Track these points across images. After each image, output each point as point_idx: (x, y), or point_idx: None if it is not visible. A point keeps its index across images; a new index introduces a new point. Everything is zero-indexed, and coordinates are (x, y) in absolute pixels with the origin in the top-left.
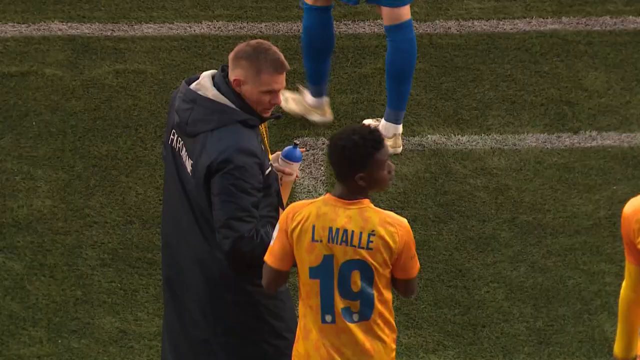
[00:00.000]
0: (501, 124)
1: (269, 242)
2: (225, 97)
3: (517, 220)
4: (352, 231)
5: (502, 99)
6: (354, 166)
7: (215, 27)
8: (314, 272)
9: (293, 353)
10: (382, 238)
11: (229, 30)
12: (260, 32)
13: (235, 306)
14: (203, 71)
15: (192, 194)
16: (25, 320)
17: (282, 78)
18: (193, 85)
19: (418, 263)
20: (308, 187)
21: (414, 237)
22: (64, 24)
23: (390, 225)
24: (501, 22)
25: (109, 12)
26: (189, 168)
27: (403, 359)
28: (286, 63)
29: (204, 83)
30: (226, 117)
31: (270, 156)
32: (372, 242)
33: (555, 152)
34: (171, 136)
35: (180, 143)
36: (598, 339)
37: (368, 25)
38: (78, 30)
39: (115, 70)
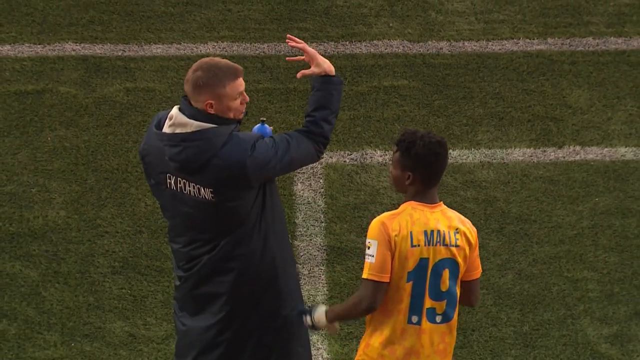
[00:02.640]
0: (490, 139)
1: (328, 126)
2: (207, 122)
3: (504, 230)
4: (443, 231)
5: (490, 115)
6: (445, 167)
7: (220, 48)
8: (410, 276)
9: (360, 355)
10: (464, 234)
11: (233, 50)
12: (263, 52)
13: (263, 298)
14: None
15: (217, 214)
16: (41, 324)
17: (242, 79)
18: (168, 129)
19: (480, 265)
20: (307, 198)
21: None
22: (78, 44)
23: (466, 222)
24: (490, 43)
25: (119, 34)
26: (207, 196)
27: None
28: (239, 66)
29: (180, 120)
30: (220, 134)
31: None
32: (457, 239)
33: (540, 166)
34: (168, 180)
35: (182, 182)
36: (581, 342)
37: (364, 45)
38: (91, 51)
39: (126, 88)
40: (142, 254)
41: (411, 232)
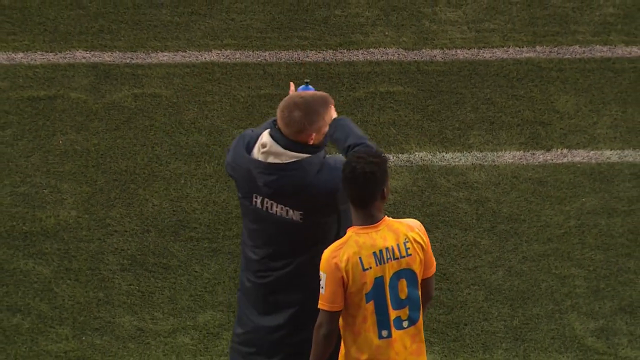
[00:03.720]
0: (481, 142)
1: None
2: (301, 152)
3: (495, 229)
4: (392, 246)
5: (482, 119)
6: (379, 186)
7: (224, 55)
8: (369, 297)
9: None
10: (414, 240)
11: (236, 58)
12: (265, 60)
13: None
14: (214, 94)
15: (299, 234)
16: (53, 319)
17: (332, 105)
18: (261, 156)
19: (434, 259)
20: None
21: None
22: (88, 52)
23: (414, 227)
24: (481, 51)
25: (128, 42)
26: (295, 216)
27: None
28: (324, 93)
29: (275, 150)
30: (315, 163)
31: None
32: (408, 248)
33: (530, 168)
34: (254, 199)
35: (269, 203)
36: (568, 335)
37: (361, 53)
38: (100, 58)
39: (134, 94)
40: (149, 252)
41: (360, 258)
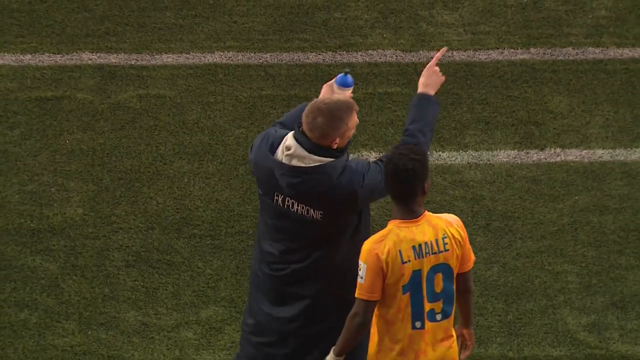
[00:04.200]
0: (477, 141)
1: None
2: (325, 156)
3: (490, 227)
4: (430, 241)
5: (477, 120)
6: (420, 182)
7: (226, 57)
8: (405, 288)
9: (375, 357)
10: (452, 236)
11: (239, 60)
12: (266, 61)
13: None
14: (217, 95)
15: (318, 231)
16: (59, 314)
17: (355, 109)
18: (285, 158)
19: (473, 254)
20: None
21: None
22: (94, 54)
23: (453, 223)
24: (477, 53)
25: (133, 44)
26: (315, 215)
27: None
28: (349, 99)
29: (299, 154)
30: (337, 167)
31: (324, 89)
32: (446, 243)
33: (524, 167)
34: (276, 197)
35: (289, 201)
36: (561, 330)
37: (360, 55)
38: (106, 60)
39: (139, 94)
40: (153, 248)
41: (400, 251)
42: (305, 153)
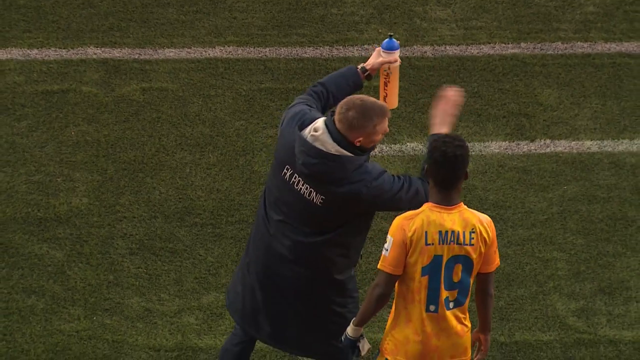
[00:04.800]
0: (469, 133)
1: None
2: (347, 150)
3: None
4: (458, 231)
5: (469, 112)
6: (465, 167)
7: (226, 52)
8: (425, 270)
9: (388, 338)
10: (480, 233)
11: (238, 54)
12: (265, 55)
13: (331, 291)
14: (217, 88)
15: (314, 215)
16: (66, 300)
17: (387, 117)
18: (310, 138)
19: (499, 259)
20: None
21: None
22: (99, 48)
23: (484, 222)
24: (469, 47)
25: (136, 39)
26: (316, 199)
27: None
28: (384, 104)
29: (325, 139)
30: (355, 164)
31: (374, 53)
32: (472, 238)
33: (515, 157)
34: (286, 171)
35: (297, 178)
36: (551, 315)
37: (356, 49)
38: (110, 54)
39: (142, 88)
40: (156, 236)
41: (426, 232)
42: (329, 140)
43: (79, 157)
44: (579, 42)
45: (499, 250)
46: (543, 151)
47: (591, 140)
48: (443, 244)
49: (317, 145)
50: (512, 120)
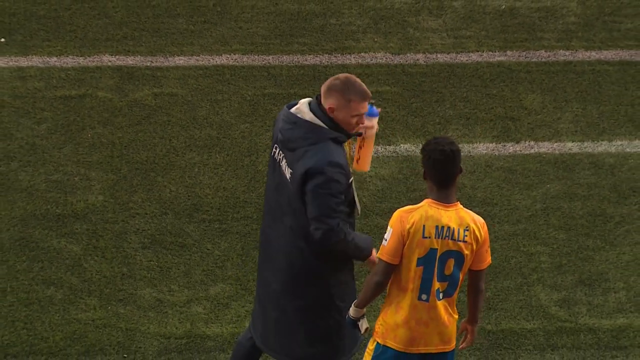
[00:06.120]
0: (459, 135)
1: (351, 237)
2: (320, 120)
3: None
4: (453, 228)
5: (459, 115)
6: (460, 161)
7: (232, 59)
8: (420, 261)
9: (379, 322)
10: (473, 232)
11: (244, 62)
12: (269, 63)
13: (311, 287)
14: (224, 93)
15: (289, 196)
16: (82, 291)
17: (367, 104)
18: (293, 109)
19: (490, 258)
20: None
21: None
22: (113, 56)
23: (478, 222)
24: (459, 55)
25: (148, 47)
26: (287, 176)
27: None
28: (369, 92)
29: (303, 108)
30: (321, 135)
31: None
32: (466, 235)
33: (501, 158)
34: (274, 149)
35: (281, 155)
36: (535, 305)
37: (353, 57)
38: (124, 62)
39: (154, 93)
40: (167, 232)
41: (424, 226)
42: (307, 109)
43: (95, 158)
44: (561, 51)
45: None
46: (527, 152)
47: (572, 142)
48: (439, 238)
49: (294, 111)
50: (498, 123)
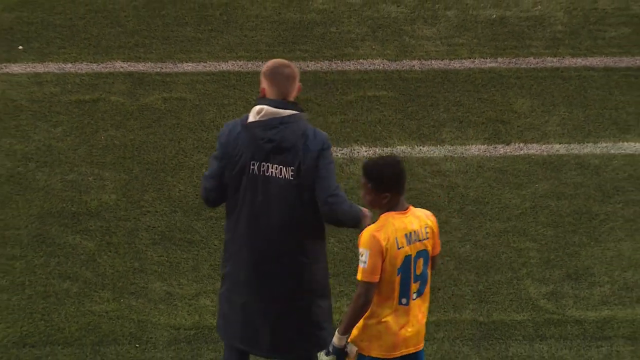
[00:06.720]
0: (452, 137)
1: (349, 202)
2: (292, 109)
3: (464, 210)
4: (417, 230)
5: (452, 119)
6: (406, 176)
7: (238, 65)
8: (399, 270)
9: (359, 338)
10: (430, 227)
11: (248, 68)
12: None
13: (314, 275)
14: (230, 98)
15: (287, 198)
16: (96, 284)
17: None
18: (261, 118)
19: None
20: None
21: None
22: (125, 63)
23: (430, 216)
24: (452, 62)
25: (158, 54)
26: (287, 175)
27: None
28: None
29: (271, 111)
30: (302, 121)
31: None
32: (427, 232)
33: (492, 159)
34: (251, 167)
35: (265, 166)
36: (524, 298)
37: (352, 63)
38: (135, 68)
39: (163, 97)
40: (176, 229)
41: (396, 238)
42: (275, 110)
43: (108, 159)
44: (548, 57)
45: (479, 242)
46: (517, 153)
47: (560, 144)
48: (410, 244)
49: (270, 116)
50: (490, 126)
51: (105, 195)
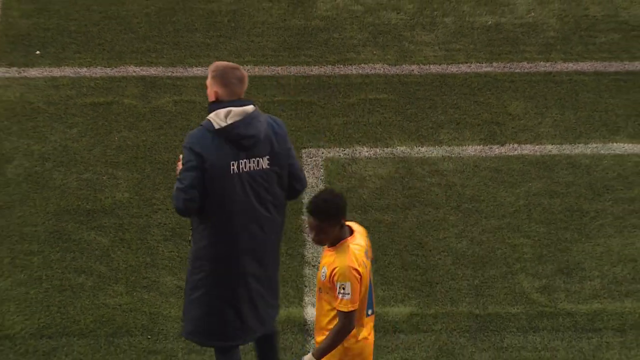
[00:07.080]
0: (450, 138)
1: None
2: (251, 104)
3: (460, 207)
4: (364, 244)
5: (450, 121)
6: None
7: (244, 69)
8: (367, 287)
9: (344, 353)
10: (365, 235)
11: (255, 72)
12: (277, 73)
13: (278, 246)
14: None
15: (270, 184)
16: (110, 279)
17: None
18: (232, 118)
19: None
20: (311, 183)
21: (387, 220)
22: (138, 67)
23: (361, 226)
24: (449, 66)
25: (169, 59)
26: (264, 164)
27: (379, 307)
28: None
29: (237, 111)
30: (261, 113)
31: None
32: (368, 241)
33: (488, 159)
34: (232, 168)
35: (243, 162)
36: (518, 292)
37: (354, 68)
38: (147, 72)
39: (174, 100)
40: (186, 225)
41: (363, 261)
42: (241, 108)
43: (121, 159)
44: (541, 62)
45: (475, 238)
46: (512, 154)
47: (552, 145)
48: (367, 259)
49: (242, 115)
50: (485, 128)
51: (118, 194)
